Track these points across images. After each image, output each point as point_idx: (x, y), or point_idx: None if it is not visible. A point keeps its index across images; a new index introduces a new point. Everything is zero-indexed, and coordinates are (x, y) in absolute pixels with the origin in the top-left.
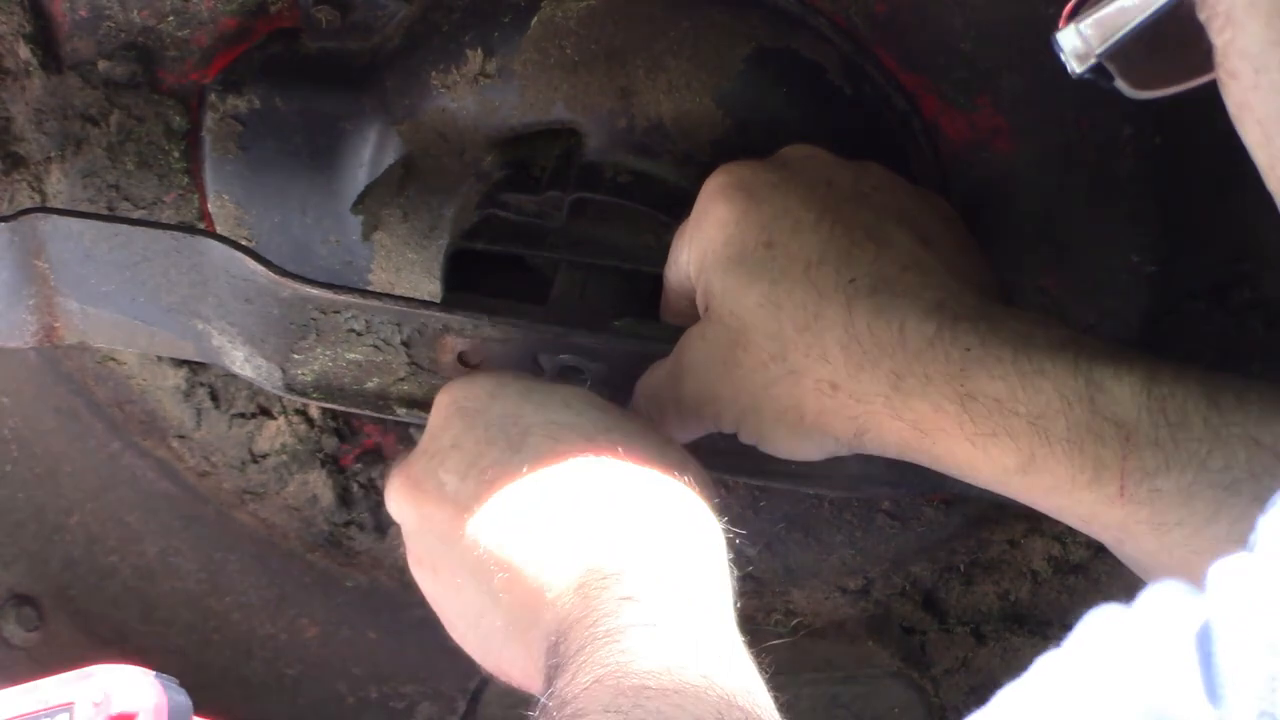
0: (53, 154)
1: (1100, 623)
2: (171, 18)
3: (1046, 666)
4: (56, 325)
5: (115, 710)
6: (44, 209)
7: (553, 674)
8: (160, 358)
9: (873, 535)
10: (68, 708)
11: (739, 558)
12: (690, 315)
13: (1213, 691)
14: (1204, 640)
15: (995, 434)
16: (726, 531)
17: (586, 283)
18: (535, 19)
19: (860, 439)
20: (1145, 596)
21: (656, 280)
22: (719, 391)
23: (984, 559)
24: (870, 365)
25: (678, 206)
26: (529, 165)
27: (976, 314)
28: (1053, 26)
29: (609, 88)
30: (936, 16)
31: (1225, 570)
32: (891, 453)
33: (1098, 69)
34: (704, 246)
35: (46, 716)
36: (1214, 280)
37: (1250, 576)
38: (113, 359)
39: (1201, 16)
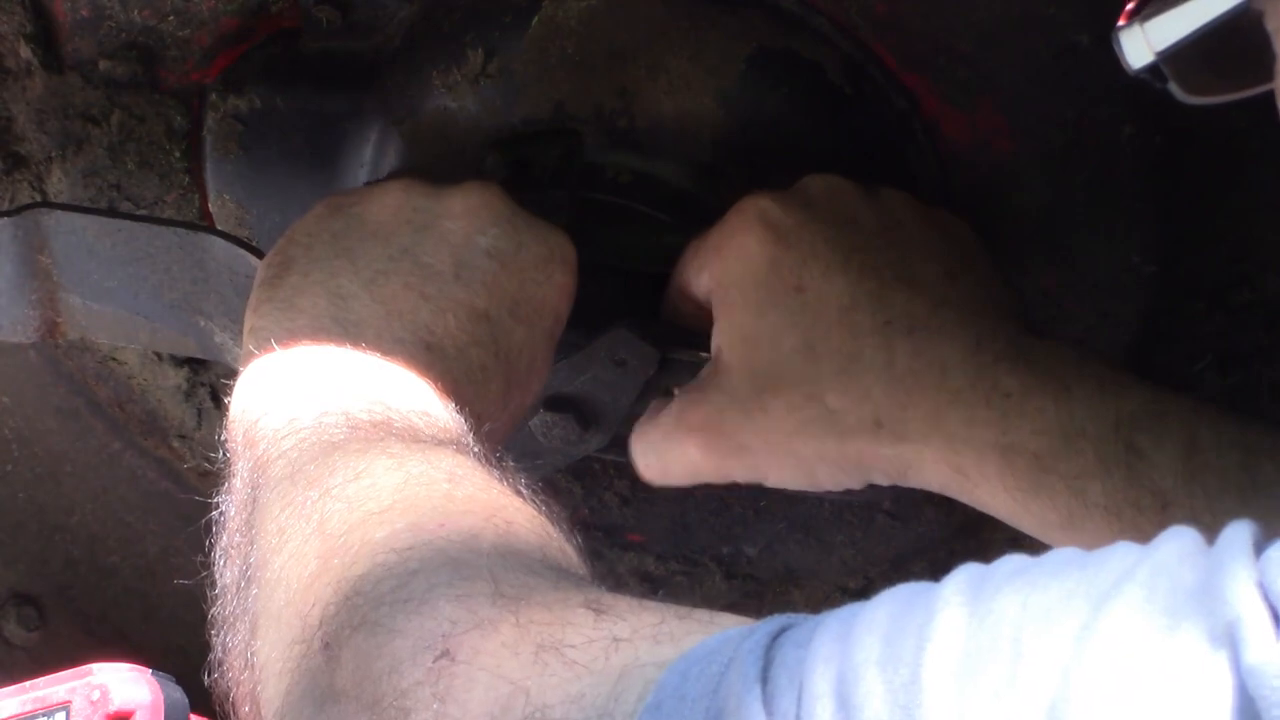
0: (54, 154)
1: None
2: (173, 17)
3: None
4: (59, 321)
5: (112, 709)
6: (47, 204)
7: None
8: (161, 357)
9: (873, 535)
10: (65, 706)
11: (739, 557)
12: (694, 317)
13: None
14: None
15: (1035, 490)
16: None
17: (586, 283)
18: (536, 19)
19: (904, 476)
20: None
21: (657, 280)
22: (747, 442)
23: (985, 559)
24: (913, 405)
25: (678, 207)
26: (529, 165)
27: (1015, 353)
28: (1054, 26)
29: (609, 88)
30: (936, 16)
31: None
32: (934, 489)
33: (1153, 69)
34: (728, 284)
35: (44, 715)
36: (1214, 280)
37: None
38: (114, 358)
39: (1270, 26)
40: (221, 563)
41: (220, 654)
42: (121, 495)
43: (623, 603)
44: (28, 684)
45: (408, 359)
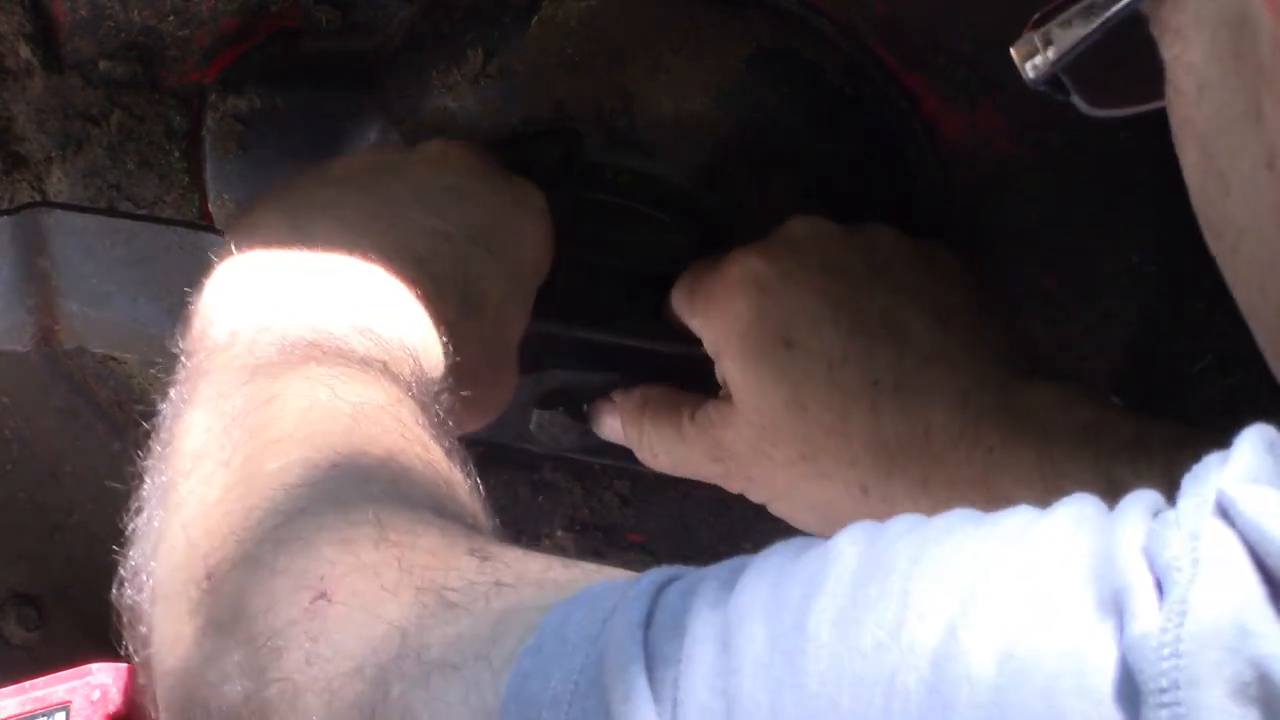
0: (53, 154)
1: (1078, 504)
2: (172, 17)
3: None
4: (56, 328)
5: (112, 709)
6: (46, 204)
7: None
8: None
9: None
10: (65, 706)
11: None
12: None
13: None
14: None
15: None
16: None
17: (587, 283)
18: (536, 18)
19: None
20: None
21: (657, 280)
22: (751, 472)
23: None
24: (899, 470)
25: (678, 207)
26: (529, 165)
27: (999, 403)
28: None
29: (609, 88)
30: (936, 16)
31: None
32: None
33: (1054, 82)
34: (717, 338)
35: (44, 716)
36: (1214, 280)
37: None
38: (113, 359)
39: (1154, 33)
40: (147, 480)
41: (128, 571)
42: (122, 495)
43: (509, 551)
44: (28, 684)
45: (359, 269)
